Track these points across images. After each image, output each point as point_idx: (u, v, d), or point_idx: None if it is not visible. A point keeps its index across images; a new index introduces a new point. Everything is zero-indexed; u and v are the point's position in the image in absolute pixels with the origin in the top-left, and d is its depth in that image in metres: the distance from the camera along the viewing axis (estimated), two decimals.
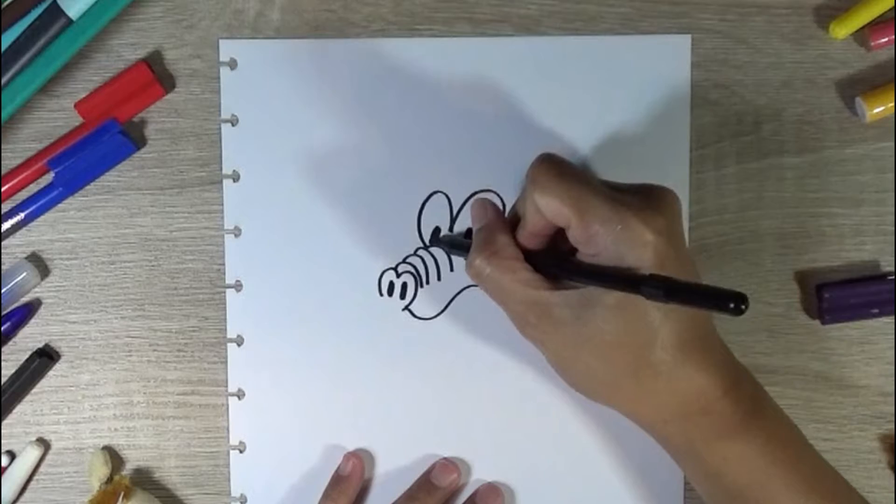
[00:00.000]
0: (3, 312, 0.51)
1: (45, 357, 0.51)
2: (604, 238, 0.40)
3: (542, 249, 0.44)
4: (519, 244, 0.44)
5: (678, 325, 0.40)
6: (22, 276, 0.50)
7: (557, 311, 0.41)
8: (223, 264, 0.51)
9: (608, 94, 0.50)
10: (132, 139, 0.50)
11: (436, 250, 0.51)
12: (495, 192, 0.50)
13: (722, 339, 0.43)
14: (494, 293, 0.44)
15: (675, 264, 0.39)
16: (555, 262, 0.43)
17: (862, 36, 0.50)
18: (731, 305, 0.33)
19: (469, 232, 0.49)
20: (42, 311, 0.51)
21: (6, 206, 0.51)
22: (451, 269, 0.51)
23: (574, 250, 0.42)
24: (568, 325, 0.41)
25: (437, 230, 0.51)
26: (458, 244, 0.48)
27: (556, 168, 0.42)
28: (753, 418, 0.41)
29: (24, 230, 0.51)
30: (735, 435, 0.41)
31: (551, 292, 0.42)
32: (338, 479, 0.51)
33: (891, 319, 0.51)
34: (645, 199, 0.41)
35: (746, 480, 0.41)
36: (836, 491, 0.42)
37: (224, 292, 0.51)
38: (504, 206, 0.50)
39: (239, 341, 0.51)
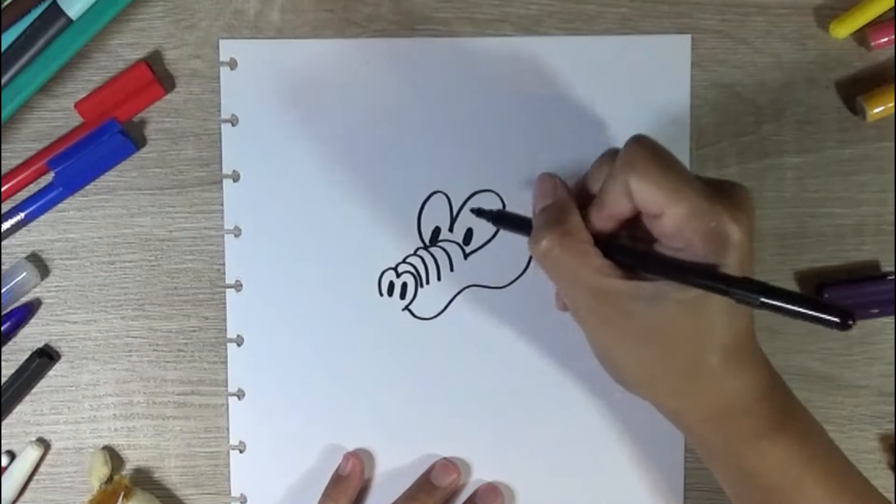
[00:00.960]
0: (3, 312, 0.51)
1: (45, 357, 0.51)
2: (693, 233, 0.39)
3: (613, 234, 0.42)
4: (589, 226, 0.42)
5: (738, 327, 0.39)
6: (22, 276, 0.50)
7: (626, 301, 0.40)
8: (223, 264, 0.51)
9: (608, 94, 0.50)
10: (132, 139, 0.50)
11: (436, 250, 0.51)
12: (495, 192, 0.50)
13: (758, 342, 0.42)
14: (559, 275, 0.42)
15: (750, 268, 0.39)
16: (632, 251, 0.41)
17: (862, 36, 0.50)
18: (838, 321, 0.32)
19: (503, 216, 0.46)
20: (42, 311, 0.51)
21: (6, 206, 0.51)
22: (451, 269, 0.51)
23: (643, 238, 0.41)
24: (634, 318, 0.40)
25: (436, 229, 0.51)
26: (508, 219, 0.46)
27: (655, 152, 0.40)
28: (789, 419, 0.41)
29: (24, 230, 0.51)
30: (773, 434, 0.41)
31: (623, 282, 0.40)
32: (338, 479, 0.51)
33: (891, 319, 0.51)
34: (730, 197, 0.39)
35: (782, 479, 0.41)
36: (863, 490, 0.42)
37: (224, 292, 0.51)
38: (504, 206, 0.50)
39: (239, 341, 0.51)
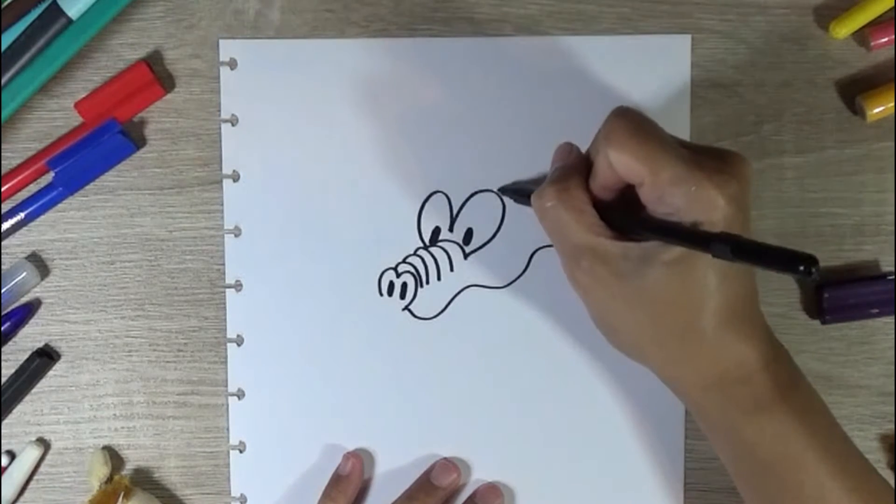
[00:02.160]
0: (3, 312, 0.51)
1: (45, 357, 0.51)
2: (676, 198, 0.39)
3: (611, 202, 0.43)
4: (590, 193, 0.43)
5: (731, 293, 0.40)
6: (22, 276, 0.50)
7: (615, 261, 0.41)
8: (223, 264, 0.51)
9: (608, 94, 0.50)
10: (132, 139, 0.50)
11: (436, 250, 0.51)
12: (495, 192, 0.50)
13: (763, 315, 0.42)
14: (554, 230, 0.43)
15: (741, 232, 0.39)
16: (622, 213, 0.42)
17: (862, 36, 0.50)
18: (802, 268, 0.33)
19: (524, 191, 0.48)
20: (42, 311, 0.51)
21: (6, 206, 0.51)
22: (451, 269, 0.51)
23: (643, 206, 0.42)
24: (623, 278, 0.40)
25: (436, 229, 0.51)
26: (523, 191, 0.48)
27: (632, 124, 0.41)
28: (791, 392, 0.41)
29: (24, 230, 0.51)
30: (773, 407, 0.41)
31: (612, 241, 0.41)
32: (338, 479, 0.51)
33: (891, 319, 0.51)
34: (719, 163, 0.40)
35: (781, 453, 0.41)
36: (864, 470, 0.42)
37: (224, 292, 0.51)
38: (504, 206, 0.50)
39: (239, 341, 0.51)
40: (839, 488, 0.40)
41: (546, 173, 0.47)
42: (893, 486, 0.42)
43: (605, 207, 0.43)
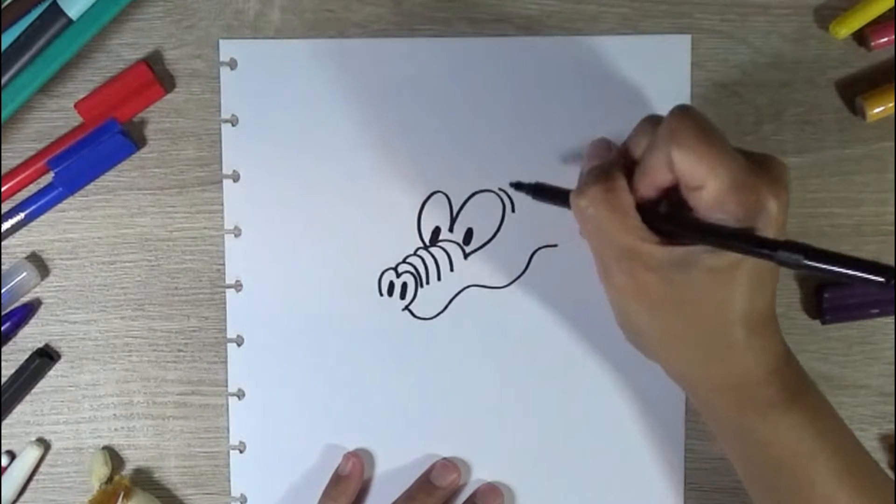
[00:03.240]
0: (3, 312, 0.51)
1: (45, 357, 0.51)
2: (733, 205, 0.39)
3: (653, 202, 0.42)
4: (632, 191, 0.42)
5: (762, 300, 0.40)
6: (22, 276, 0.50)
7: (658, 266, 0.40)
8: (223, 264, 0.51)
9: (608, 94, 0.50)
10: (132, 139, 0.50)
11: (436, 250, 0.51)
12: (495, 192, 0.50)
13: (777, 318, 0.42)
14: (595, 232, 0.42)
15: (784, 228, 0.39)
16: (672, 218, 0.41)
17: (862, 36, 0.50)
18: (883, 279, 0.32)
19: (542, 188, 0.46)
20: (42, 311, 0.51)
21: (6, 206, 0.51)
22: (451, 269, 0.51)
23: (686, 208, 0.41)
24: (664, 283, 0.40)
25: (436, 229, 0.51)
26: (547, 191, 0.46)
27: (699, 124, 0.40)
28: (801, 393, 0.42)
29: (24, 230, 0.51)
30: (787, 406, 0.41)
31: (656, 246, 0.40)
32: (338, 479, 0.51)
33: (891, 319, 0.51)
34: (769, 170, 0.39)
35: (794, 452, 0.41)
36: (873, 470, 0.42)
37: (224, 292, 0.51)
38: (504, 206, 0.50)
39: (239, 341, 0.51)
40: (849, 487, 0.41)
41: (585, 151, 0.46)
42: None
43: (647, 208, 0.42)
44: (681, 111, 0.40)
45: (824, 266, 0.35)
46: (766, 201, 0.38)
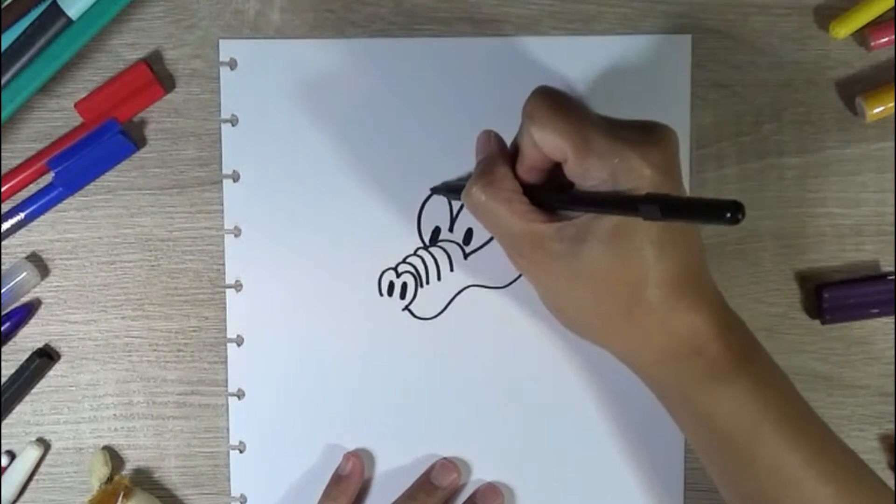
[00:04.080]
0: (3, 312, 0.51)
1: (45, 357, 0.51)
2: (600, 171, 0.39)
3: (541, 184, 0.43)
4: (518, 178, 0.43)
5: (672, 262, 0.40)
6: (22, 276, 0.50)
7: (551, 243, 0.41)
8: (223, 264, 0.51)
9: (608, 94, 0.50)
10: (132, 139, 0.50)
11: (436, 250, 0.51)
12: (430, 191, 0.50)
13: (715, 284, 0.42)
14: (489, 223, 0.44)
15: (676, 188, 0.40)
16: (550, 193, 0.42)
17: (862, 36, 0.50)
18: (728, 215, 0.32)
19: (449, 186, 0.49)
20: (42, 311, 0.51)
21: (6, 206, 0.51)
22: (451, 269, 0.51)
23: (572, 184, 0.42)
24: (561, 259, 0.41)
25: (436, 229, 0.51)
26: (455, 188, 0.48)
27: (553, 101, 0.41)
28: (746, 363, 0.41)
29: (24, 230, 0.51)
30: (727, 378, 0.41)
31: (546, 224, 0.41)
32: (338, 479, 0.51)
33: (891, 319, 0.51)
34: (643, 134, 0.40)
35: (737, 424, 0.41)
36: (824, 441, 0.41)
37: (224, 292, 0.51)
38: None
39: (239, 341, 0.51)
40: (796, 460, 0.40)
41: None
42: (858, 455, 0.42)
43: (535, 190, 0.43)
44: (535, 92, 0.42)
45: (679, 214, 0.35)
46: (631, 161, 0.39)
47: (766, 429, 0.40)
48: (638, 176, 0.39)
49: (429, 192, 0.50)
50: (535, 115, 0.41)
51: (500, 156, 0.44)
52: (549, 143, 0.41)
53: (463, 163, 0.50)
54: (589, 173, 0.40)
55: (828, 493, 0.40)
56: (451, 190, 0.49)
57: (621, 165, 0.39)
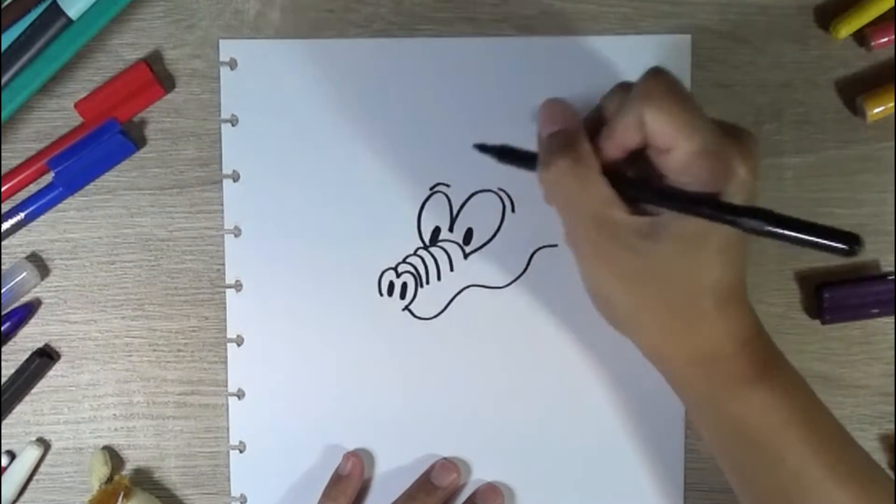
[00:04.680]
0: (3, 312, 0.51)
1: (45, 357, 0.51)
2: (701, 169, 0.38)
3: (619, 166, 0.42)
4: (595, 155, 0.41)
5: (732, 271, 0.40)
6: (22, 276, 0.50)
7: (625, 235, 0.40)
8: (223, 264, 0.51)
9: None
10: (132, 139, 0.50)
11: (436, 250, 0.51)
12: (495, 192, 0.50)
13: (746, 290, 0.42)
14: (563, 202, 0.42)
15: (756, 197, 0.39)
16: (639, 183, 0.41)
17: (862, 36, 0.50)
18: (846, 247, 0.32)
19: (507, 150, 0.45)
20: (42, 311, 0.51)
21: (6, 206, 0.51)
22: (451, 269, 0.51)
23: (648, 174, 0.41)
24: (633, 252, 0.40)
25: (436, 229, 0.51)
26: (513, 153, 0.44)
27: (672, 85, 0.40)
28: (774, 368, 0.42)
29: (24, 230, 0.51)
30: (759, 381, 0.41)
31: (626, 215, 0.40)
32: (337, 479, 0.51)
33: (891, 319, 0.51)
34: (738, 139, 0.39)
35: (765, 427, 0.41)
36: (845, 445, 0.42)
37: (224, 292, 0.51)
38: (504, 206, 0.50)
39: (239, 341, 0.51)
40: (820, 465, 0.40)
41: (537, 113, 0.45)
42: (875, 460, 0.42)
43: (613, 172, 0.41)
44: (656, 72, 0.40)
45: (786, 232, 0.35)
46: (735, 167, 0.38)
47: (792, 433, 0.41)
48: (738, 181, 0.38)
49: (431, 192, 0.50)
50: (652, 96, 0.39)
51: (580, 130, 0.42)
52: (659, 129, 0.39)
53: (463, 162, 0.50)
54: (689, 169, 0.39)
55: (849, 497, 0.40)
56: (507, 154, 0.45)
57: (724, 168, 0.38)
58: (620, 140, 0.41)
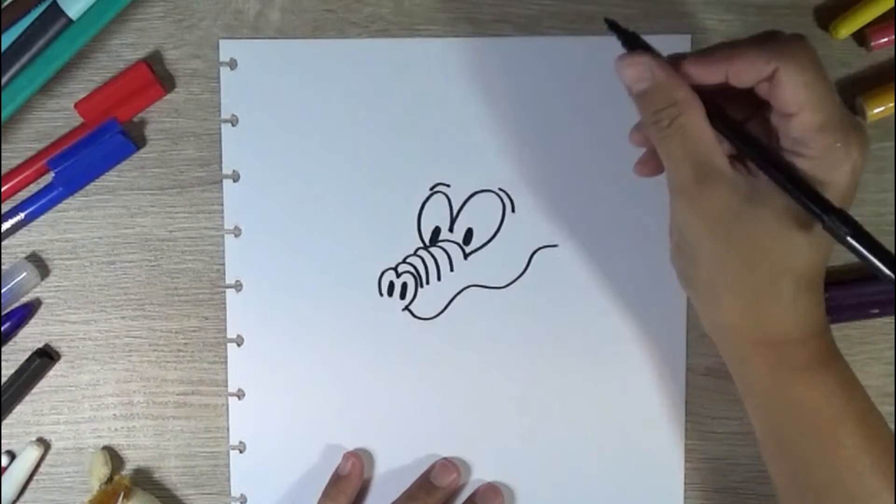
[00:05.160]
0: (3, 312, 0.51)
1: (45, 357, 0.51)
2: (816, 144, 0.38)
3: (713, 93, 0.40)
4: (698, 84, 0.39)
5: (817, 259, 0.40)
6: (22, 276, 0.50)
7: (722, 187, 0.39)
8: (223, 264, 0.51)
9: (608, 95, 0.50)
10: (132, 139, 0.50)
11: (436, 250, 0.51)
12: (495, 192, 0.50)
13: None
14: (667, 151, 0.40)
15: (850, 202, 0.39)
16: (742, 134, 0.39)
17: (862, 36, 0.50)
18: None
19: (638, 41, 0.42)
20: (42, 311, 0.51)
21: (6, 206, 0.51)
22: (451, 269, 0.51)
23: (760, 132, 0.40)
24: (724, 207, 0.39)
25: (436, 229, 0.51)
26: (641, 44, 0.41)
27: (815, 54, 0.39)
28: (834, 360, 0.42)
29: (24, 230, 0.51)
30: (822, 369, 0.41)
31: (728, 166, 0.39)
32: (337, 479, 0.51)
33: (891, 319, 0.51)
34: (859, 128, 0.39)
35: (822, 414, 0.41)
36: (890, 440, 0.42)
37: (224, 292, 0.51)
38: (504, 206, 0.50)
39: (239, 341, 0.51)
40: (872, 453, 0.41)
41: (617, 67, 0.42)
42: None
43: (714, 107, 0.40)
44: (799, 36, 0.39)
45: (863, 251, 0.35)
46: (851, 154, 0.38)
47: (849, 420, 0.41)
48: (846, 168, 0.38)
49: (431, 192, 0.50)
50: (798, 56, 0.38)
51: (677, 81, 0.40)
52: (792, 89, 0.38)
53: (463, 162, 0.50)
54: (804, 140, 0.38)
55: (891, 492, 0.41)
56: (632, 40, 0.42)
57: (841, 148, 0.38)
58: (737, 68, 0.39)
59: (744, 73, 0.39)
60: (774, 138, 0.40)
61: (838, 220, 0.36)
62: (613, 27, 0.43)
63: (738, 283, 0.40)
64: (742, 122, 0.41)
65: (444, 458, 0.51)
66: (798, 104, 0.38)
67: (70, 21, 0.47)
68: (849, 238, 0.36)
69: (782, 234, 0.39)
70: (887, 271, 0.34)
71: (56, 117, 0.51)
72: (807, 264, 0.39)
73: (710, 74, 0.40)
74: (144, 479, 0.52)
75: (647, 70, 0.41)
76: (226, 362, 0.51)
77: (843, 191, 0.38)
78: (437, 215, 0.51)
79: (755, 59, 0.38)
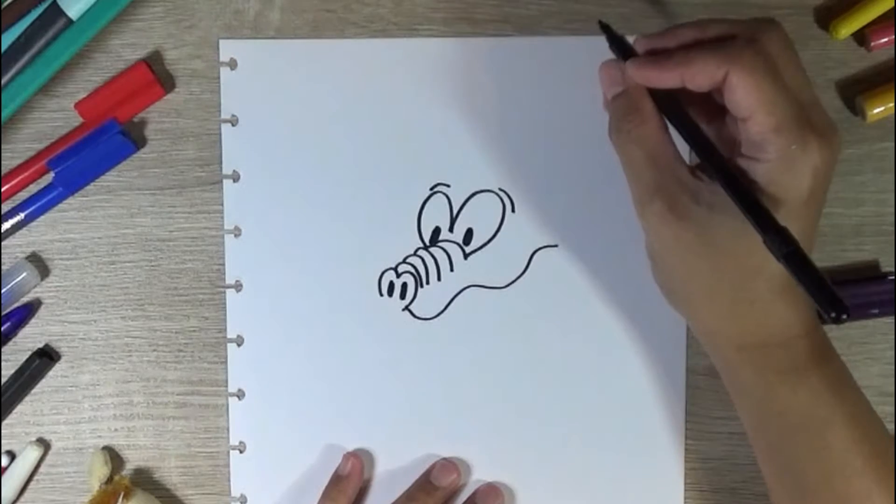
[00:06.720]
0: (3, 312, 0.51)
1: (45, 357, 0.51)
2: (775, 146, 0.38)
3: (674, 98, 0.41)
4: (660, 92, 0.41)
5: None
6: (22, 276, 0.50)
7: (685, 199, 0.39)
8: (223, 264, 0.51)
9: None
10: (132, 139, 0.50)
11: (436, 250, 0.51)
12: (495, 192, 0.50)
13: None
14: (631, 163, 0.41)
15: (815, 208, 0.39)
16: (696, 135, 0.40)
17: (862, 36, 0.50)
18: (833, 314, 0.33)
19: (622, 44, 0.44)
20: (42, 311, 0.51)
21: (6, 206, 0.51)
22: (451, 269, 0.51)
23: (725, 137, 0.40)
24: (688, 219, 0.39)
25: (436, 229, 0.51)
26: (622, 45, 0.43)
27: (767, 56, 0.39)
28: (825, 361, 0.42)
29: (24, 230, 0.51)
30: (808, 371, 0.41)
31: (689, 176, 0.40)
32: (337, 479, 0.51)
33: (891, 319, 0.51)
34: (820, 130, 0.39)
35: (811, 416, 0.41)
36: (883, 440, 0.42)
37: (224, 292, 0.51)
38: (504, 206, 0.50)
39: (239, 341, 0.51)
40: (862, 454, 0.41)
41: (599, 76, 0.44)
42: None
43: (670, 104, 0.40)
44: (756, 41, 0.39)
45: (796, 274, 0.35)
46: (808, 157, 0.38)
47: (838, 422, 0.41)
48: (805, 171, 0.38)
49: (431, 192, 0.50)
50: (748, 62, 0.38)
51: (642, 91, 0.41)
52: (746, 94, 0.38)
53: (463, 162, 0.50)
54: (760, 144, 0.38)
55: (882, 493, 0.40)
56: (617, 43, 0.44)
57: (796, 153, 0.38)
58: (692, 74, 0.39)
59: (697, 77, 0.39)
60: (737, 144, 0.40)
61: (777, 239, 0.35)
62: (605, 30, 0.44)
63: (712, 290, 0.41)
64: (700, 126, 0.41)
65: (444, 458, 0.51)
66: (749, 108, 0.38)
67: (70, 21, 0.48)
68: (783, 259, 0.35)
69: (748, 237, 0.38)
70: (821, 309, 0.34)
71: (56, 117, 0.51)
72: (779, 265, 0.39)
73: (666, 79, 0.40)
74: (144, 480, 0.52)
75: (620, 76, 0.42)
76: (226, 362, 0.51)
77: (803, 193, 0.38)
78: (437, 215, 0.51)
79: (706, 64, 0.39)
